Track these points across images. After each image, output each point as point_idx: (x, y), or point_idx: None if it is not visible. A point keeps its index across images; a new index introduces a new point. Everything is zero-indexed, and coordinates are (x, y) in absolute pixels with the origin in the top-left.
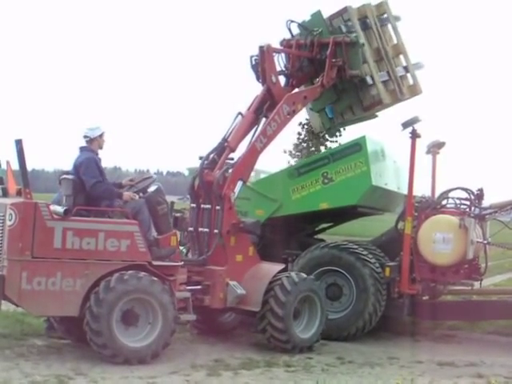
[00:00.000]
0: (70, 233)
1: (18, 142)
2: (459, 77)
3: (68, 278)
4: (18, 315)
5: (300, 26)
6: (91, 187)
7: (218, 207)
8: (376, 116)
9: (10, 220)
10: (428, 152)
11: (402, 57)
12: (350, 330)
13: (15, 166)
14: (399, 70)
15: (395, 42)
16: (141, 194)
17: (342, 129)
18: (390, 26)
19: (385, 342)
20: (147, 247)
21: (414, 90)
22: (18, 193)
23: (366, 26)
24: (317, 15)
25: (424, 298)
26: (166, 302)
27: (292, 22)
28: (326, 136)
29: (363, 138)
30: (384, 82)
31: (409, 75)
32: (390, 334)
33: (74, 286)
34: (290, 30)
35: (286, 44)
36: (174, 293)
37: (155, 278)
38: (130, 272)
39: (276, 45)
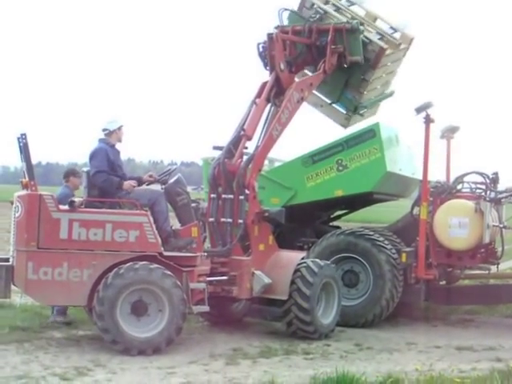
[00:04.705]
0: (77, 224)
1: (23, 136)
2: (474, 61)
3: (75, 268)
4: (36, 308)
5: (295, 13)
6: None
7: (241, 197)
8: (392, 93)
9: (17, 212)
10: (442, 137)
11: (379, 21)
12: (368, 317)
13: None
14: (387, 29)
15: (363, 13)
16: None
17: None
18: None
19: (402, 327)
20: (163, 238)
21: (406, 38)
22: (25, 186)
23: (336, 8)
24: (292, 16)
25: (441, 283)
26: (168, 286)
27: (285, 9)
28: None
29: (377, 124)
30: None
31: (396, 34)
32: (407, 319)
33: (81, 276)
34: (281, 18)
35: (280, 31)
36: (188, 281)
37: (153, 266)
38: (126, 265)
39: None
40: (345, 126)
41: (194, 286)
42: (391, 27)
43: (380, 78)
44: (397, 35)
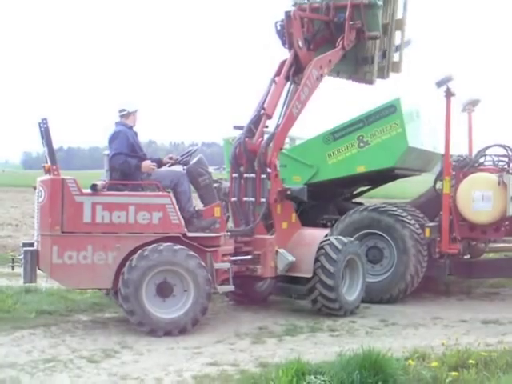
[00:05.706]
0: (100, 207)
1: (44, 121)
2: (495, 32)
3: (99, 251)
4: (61, 292)
5: None
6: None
7: (263, 176)
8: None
9: (40, 197)
10: (463, 110)
11: (398, 33)
12: (393, 293)
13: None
14: (393, 49)
15: (400, 17)
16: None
17: None
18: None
19: (427, 302)
20: (186, 219)
21: (396, 68)
22: (48, 170)
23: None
24: None
25: (465, 257)
26: (192, 267)
27: None
28: None
29: (397, 99)
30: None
31: (396, 55)
32: (432, 294)
33: (106, 259)
34: None
35: (298, 8)
36: (212, 261)
37: (177, 247)
38: (150, 247)
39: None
40: None
41: (219, 265)
42: (396, 46)
43: None
44: (396, 57)
